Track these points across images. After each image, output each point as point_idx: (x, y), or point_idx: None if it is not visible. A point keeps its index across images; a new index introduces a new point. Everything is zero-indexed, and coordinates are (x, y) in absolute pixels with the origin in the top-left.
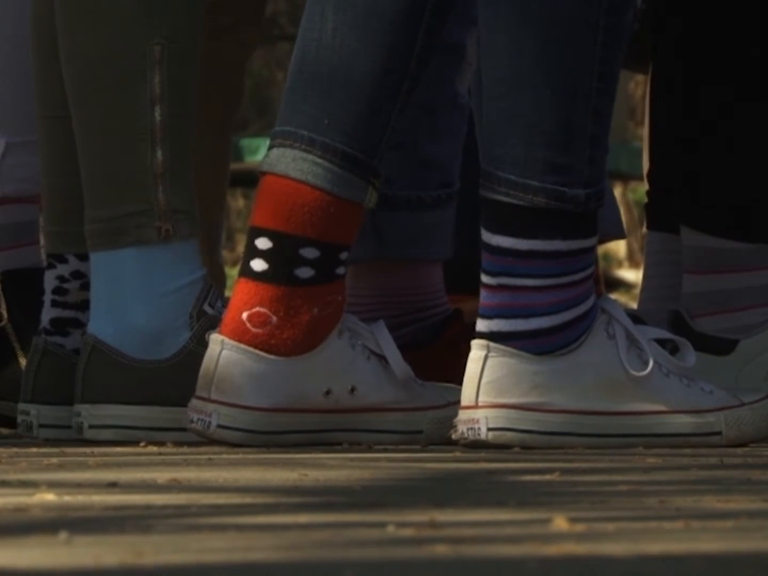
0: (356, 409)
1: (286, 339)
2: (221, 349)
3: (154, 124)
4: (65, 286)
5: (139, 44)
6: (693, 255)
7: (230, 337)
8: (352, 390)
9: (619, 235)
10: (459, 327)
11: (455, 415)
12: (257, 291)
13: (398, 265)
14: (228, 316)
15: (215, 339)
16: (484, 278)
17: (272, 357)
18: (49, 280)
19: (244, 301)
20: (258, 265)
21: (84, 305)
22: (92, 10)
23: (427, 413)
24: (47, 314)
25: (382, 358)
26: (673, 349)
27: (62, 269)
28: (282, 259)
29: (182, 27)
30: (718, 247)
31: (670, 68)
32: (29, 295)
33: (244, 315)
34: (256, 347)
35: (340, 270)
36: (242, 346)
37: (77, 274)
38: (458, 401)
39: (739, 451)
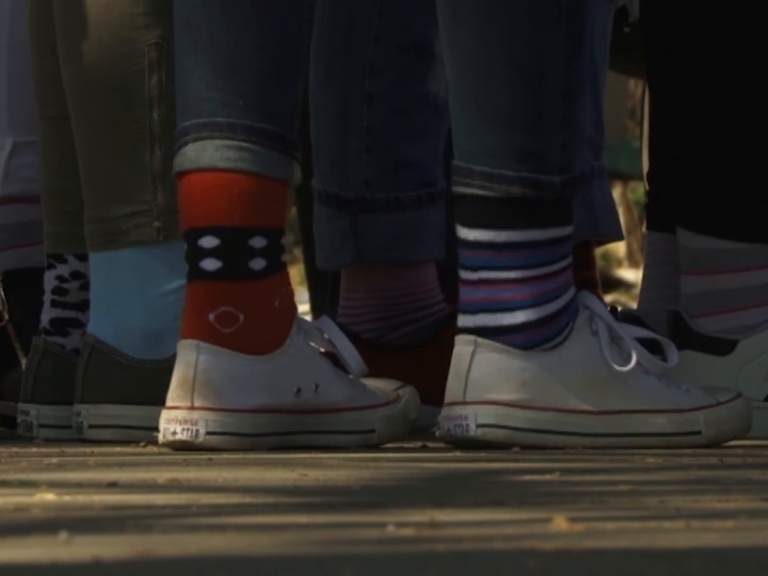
0: (318, 410)
1: (257, 336)
2: (197, 354)
3: (153, 124)
4: (65, 286)
5: (138, 44)
6: (690, 256)
7: (204, 341)
8: (316, 388)
9: (617, 237)
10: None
11: (401, 411)
12: (217, 290)
13: (385, 268)
14: (191, 320)
15: (188, 345)
16: (464, 274)
17: (248, 356)
18: (49, 281)
19: (206, 304)
20: (210, 264)
21: (84, 305)
22: (90, 11)
23: (377, 411)
24: (47, 314)
25: (329, 356)
26: (657, 349)
27: (62, 269)
28: (234, 253)
29: None
30: (715, 247)
31: (665, 69)
32: (31, 295)
33: (211, 317)
34: (230, 348)
35: (284, 257)
36: (218, 348)
37: (77, 275)
38: (395, 400)
39: (738, 450)
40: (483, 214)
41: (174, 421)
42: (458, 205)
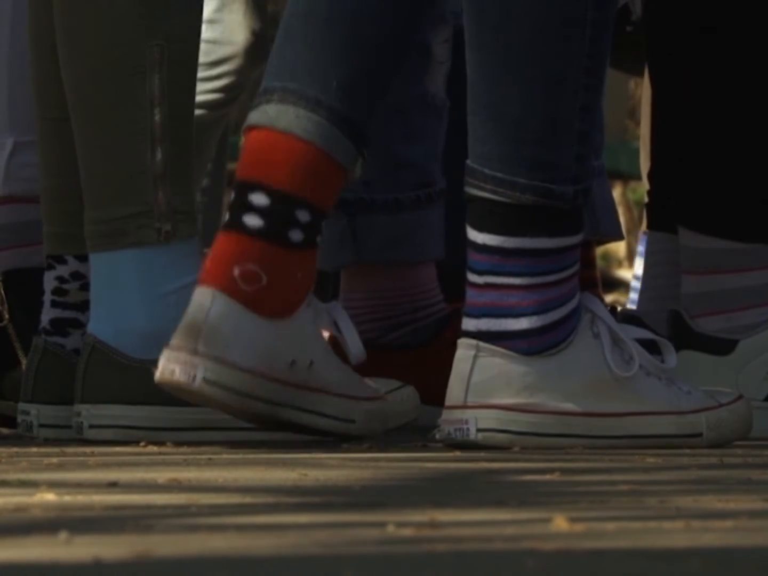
0: (307, 386)
1: (272, 301)
2: (212, 302)
3: (154, 124)
4: (65, 287)
5: (139, 45)
6: (691, 255)
7: (223, 291)
8: (311, 364)
9: (618, 237)
10: (458, 326)
11: (385, 408)
12: (251, 247)
13: (385, 268)
14: (215, 267)
15: (205, 291)
16: (471, 277)
17: (258, 317)
18: (49, 281)
19: (235, 256)
20: (252, 220)
21: (84, 306)
22: (91, 11)
23: (361, 403)
24: (47, 315)
25: (331, 341)
26: (655, 350)
27: (61, 270)
28: (279, 218)
29: (182, 28)
30: (716, 247)
31: (668, 68)
32: (31, 295)
33: (236, 271)
34: (244, 305)
35: (319, 239)
36: (234, 302)
37: (77, 275)
38: (389, 394)
39: (738, 450)
40: (493, 218)
41: (175, 360)
42: (470, 206)
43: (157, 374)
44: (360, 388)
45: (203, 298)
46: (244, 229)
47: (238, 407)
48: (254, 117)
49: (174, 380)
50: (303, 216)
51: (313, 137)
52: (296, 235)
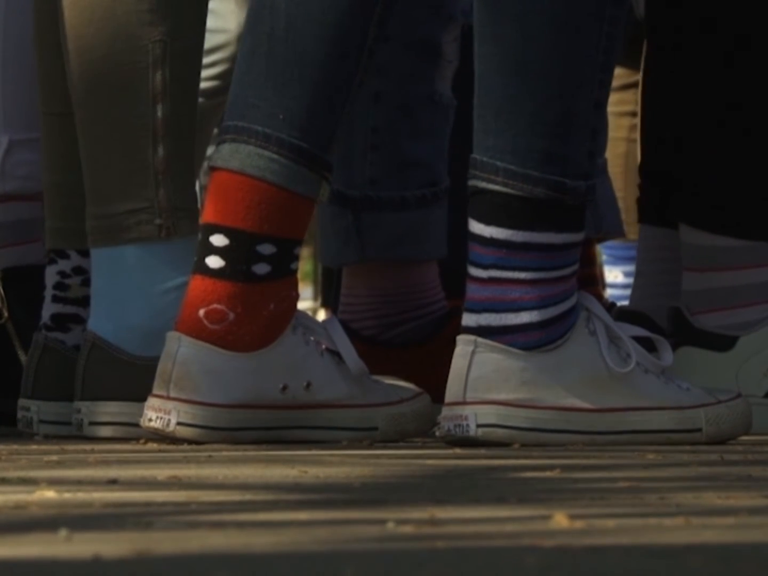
0: (312, 405)
1: (244, 335)
2: (178, 347)
3: (156, 121)
4: (66, 281)
5: (142, 41)
6: (692, 252)
7: (187, 334)
8: (308, 385)
9: (619, 234)
10: (458, 324)
11: (408, 411)
12: (214, 288)
13: (388, 266)
14: (184, 313)
15: (172, 336)
16: (474, 271)
17: (230, 353)
18: (51, 276)
19: (200, 298)
20: (214, 262)
21: (85, 301)
22: (95, 8)
23: (381, 409)
24: (48, 310)
25: (335, 355)
26: (651, 347)
27: (63, 265)
28: (239, 256)
29: (185, 24)
30: (718, 244)
31: (664, 64)
32: (31, 292)
33: (201, 312)
34: (213, 344)
35: (294, 265)
36: (199, 342)
37: (79, 270)
38: (410, 398)
39: (739, 447)
40: (502, 211)
41: (151, 408)
42: (476, 200)
43: (141, 422)
44: (380, 395)
45: (171, 344)
46: (207, 271)
47: (223, 440)
48: (213, 157)
49: (152, 427)
50: (266, 249)
51: (263, 173)
52: (262, 269)
